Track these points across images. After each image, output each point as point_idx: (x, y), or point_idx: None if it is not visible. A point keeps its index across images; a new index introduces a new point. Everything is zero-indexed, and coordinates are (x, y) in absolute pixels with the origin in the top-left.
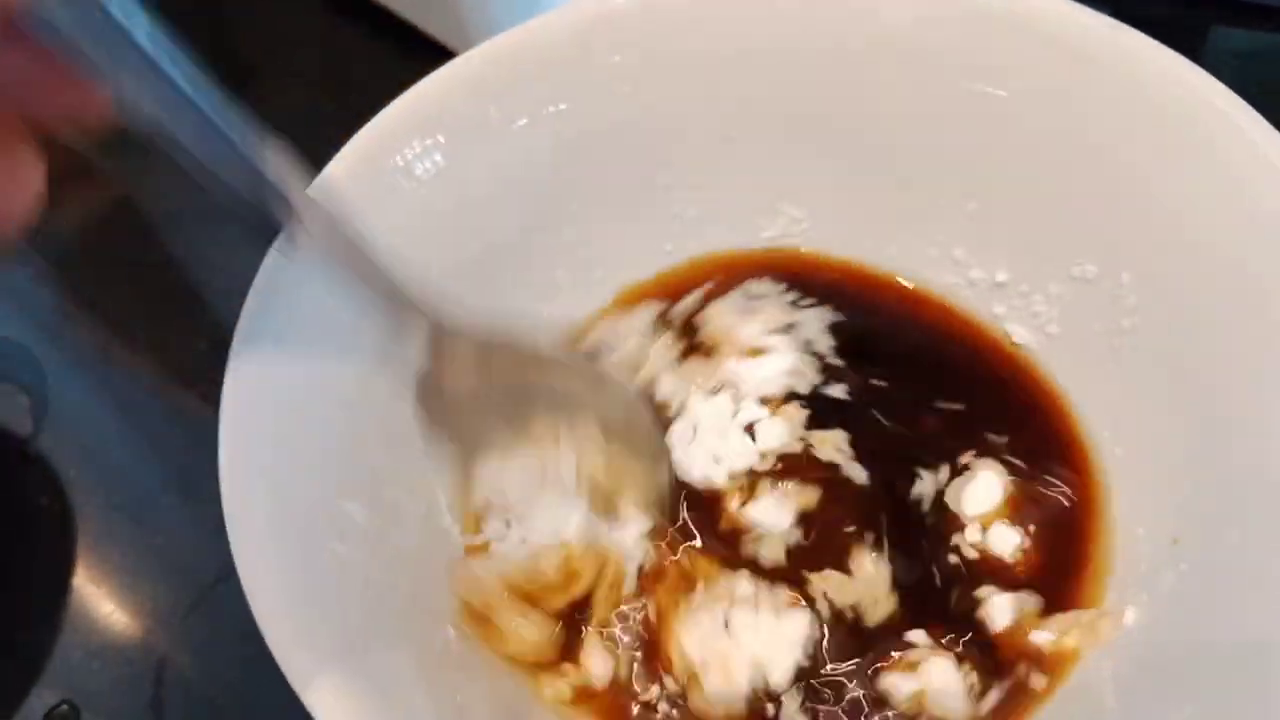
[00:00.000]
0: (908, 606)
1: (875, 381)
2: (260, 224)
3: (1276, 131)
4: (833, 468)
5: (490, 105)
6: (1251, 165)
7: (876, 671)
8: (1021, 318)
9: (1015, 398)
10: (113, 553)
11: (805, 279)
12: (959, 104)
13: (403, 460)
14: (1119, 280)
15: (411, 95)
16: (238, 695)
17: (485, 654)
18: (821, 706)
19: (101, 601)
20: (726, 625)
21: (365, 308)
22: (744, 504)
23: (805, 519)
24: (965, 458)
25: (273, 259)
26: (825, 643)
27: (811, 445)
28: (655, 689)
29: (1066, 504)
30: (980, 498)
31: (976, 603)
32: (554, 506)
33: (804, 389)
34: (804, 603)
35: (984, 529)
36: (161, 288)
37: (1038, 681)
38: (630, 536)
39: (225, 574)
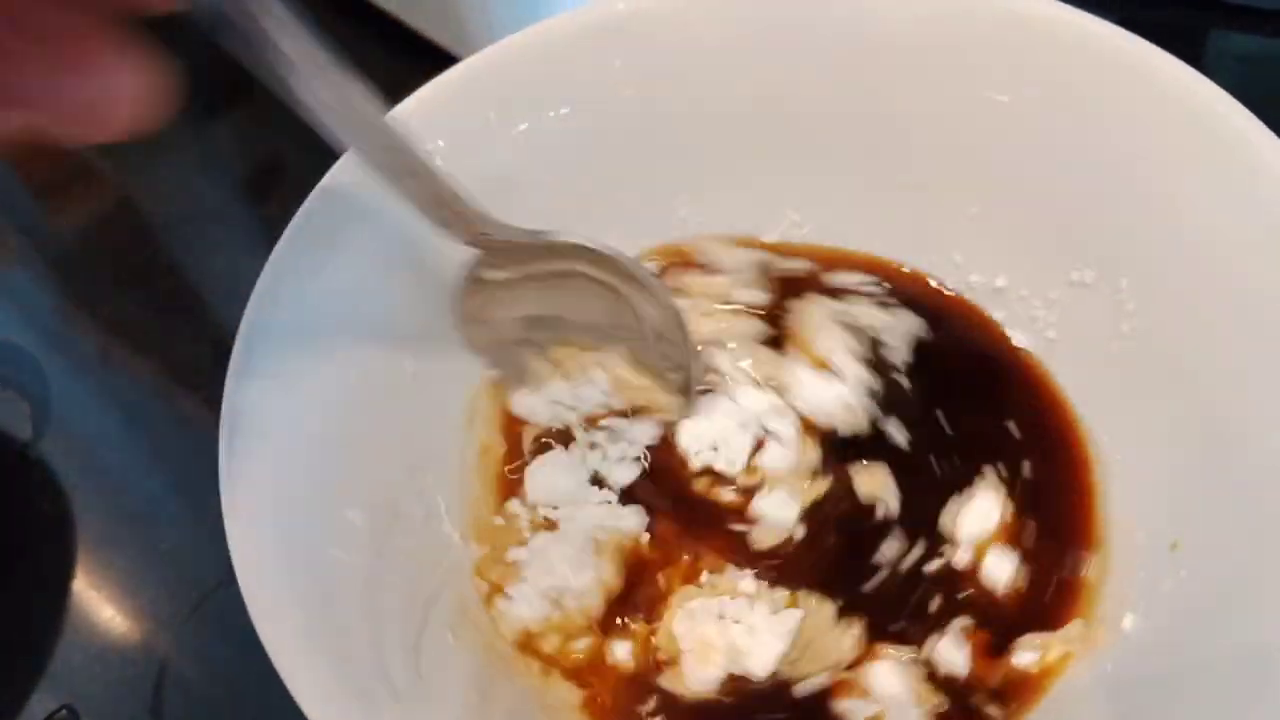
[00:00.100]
0: (876, 627)
1: (938, 412)
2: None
3: (1276, 137)
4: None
5: (490, 110)
6: (1251, 170)
7: (837, 692)
8: (1020, 322)
9: (1022, 408)
10: (113, 557)
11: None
12: (961, 108)
13: (403, 465)
14: (1118, 286)
15: (412, 100)
16: (238, 700)
17: (485, 659)
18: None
19: (102, 606)
20: (720, 616)
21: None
22: (751, 496)
23: (810, 516)
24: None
25: (274, 261)
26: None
27: (853, 478)
28: (653, 701)
29: (1066, 519)
30: (978, 520)
31: (953, 623)
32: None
33: (846, 430)
34: (800, 606)
35: (978, 554)
36: (162, 291)
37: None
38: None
39: (226, 579)
